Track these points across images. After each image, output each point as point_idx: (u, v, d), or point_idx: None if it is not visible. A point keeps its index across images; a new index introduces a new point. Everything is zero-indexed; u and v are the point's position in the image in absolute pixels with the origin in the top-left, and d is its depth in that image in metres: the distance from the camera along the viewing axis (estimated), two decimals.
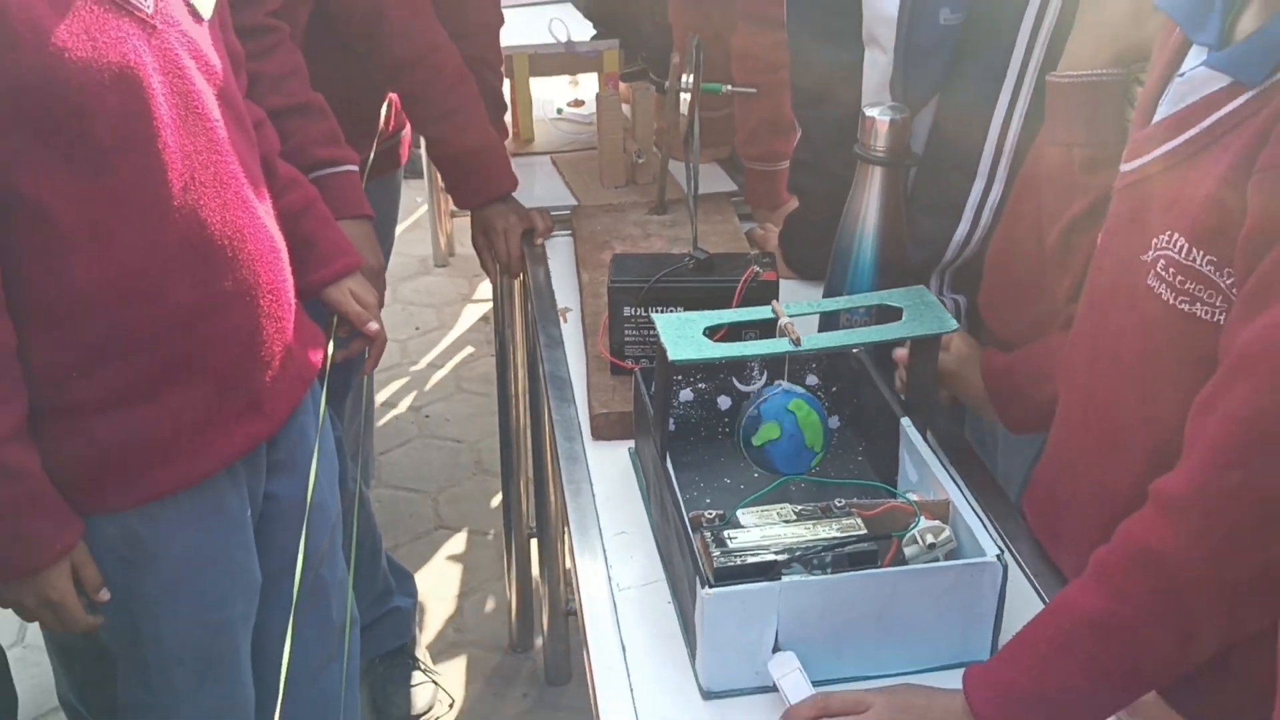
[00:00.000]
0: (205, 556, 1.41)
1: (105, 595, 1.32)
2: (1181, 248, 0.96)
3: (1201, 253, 0.94)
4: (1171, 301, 0.97)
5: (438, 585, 2.66)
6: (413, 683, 2.27)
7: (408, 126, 2.24)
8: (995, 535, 1.08)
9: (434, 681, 2.29)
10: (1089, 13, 1.22)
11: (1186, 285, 0.96)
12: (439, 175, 3.45)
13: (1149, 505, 0.91)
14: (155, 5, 1.22)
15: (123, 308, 1.24)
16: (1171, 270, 0.97)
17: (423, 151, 3.40)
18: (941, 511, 1.12)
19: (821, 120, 1.66)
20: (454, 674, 2.39)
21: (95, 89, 1.16)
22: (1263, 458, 0.84)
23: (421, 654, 2.34)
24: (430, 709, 2.26)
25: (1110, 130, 1.19)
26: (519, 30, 2.33)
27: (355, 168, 1.77)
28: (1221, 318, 0.93)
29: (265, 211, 1.39)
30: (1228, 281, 0.93)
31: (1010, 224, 1.37)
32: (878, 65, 1.50)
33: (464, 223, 3.99)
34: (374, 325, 1.63)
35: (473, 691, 2.36)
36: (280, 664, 1.55)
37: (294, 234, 1.51)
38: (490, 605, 2.59)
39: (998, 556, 1.04)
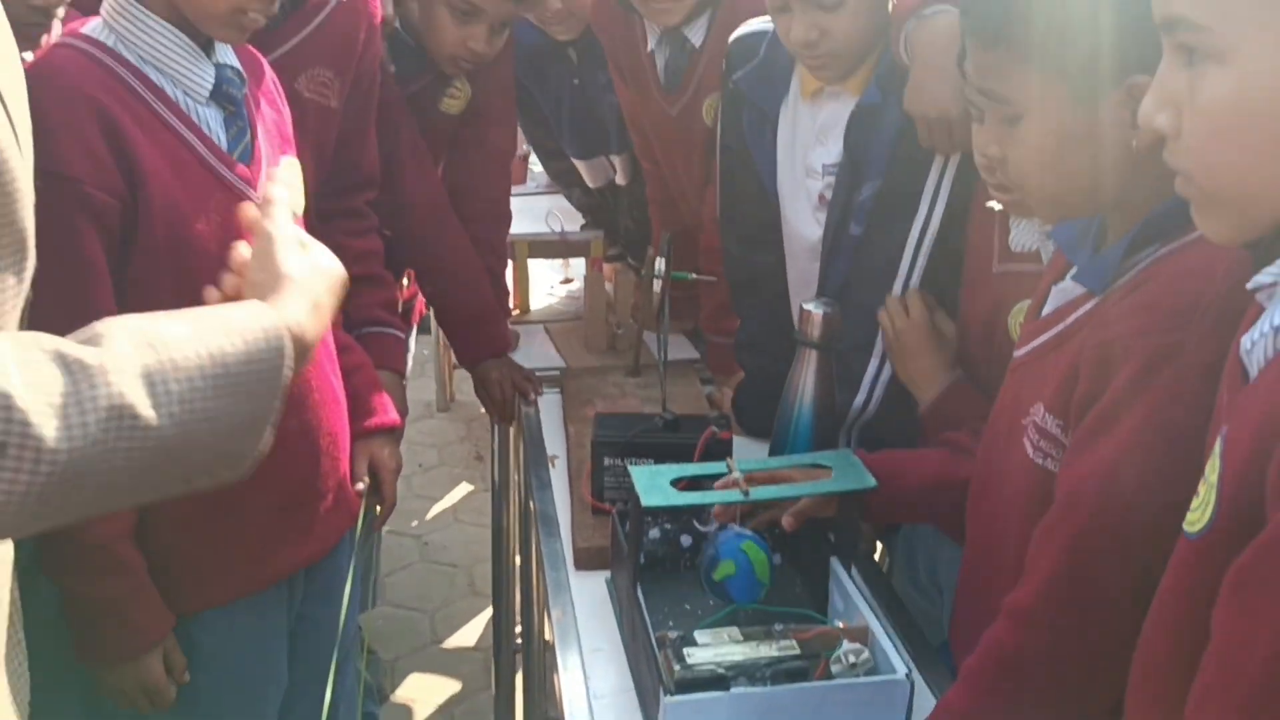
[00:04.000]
0: (250, 662, 1.47)
1: (187, 678, 1.38)
2: (1043, 416, 1.09)
3: (1054, 419, 1.07)
4: (1035, 459, 1.10)
5: (432, 694, 2.69)
6: None
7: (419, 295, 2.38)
8: (906, 657, 1.18)
9: None
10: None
11: (1043, 444, 1.09)
12: (444, 333, 3.61)
13: (1002, 616, 1.02)
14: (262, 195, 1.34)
15: None
16: (1036, 434, 1.10)
17: (430, 312, 3.56)
18: (861, 636, 1.21)
19: (754, 308, 1.82)
20: None
21: (211, 258, 1.23)
22: (1087, 575, 0.96)
23: None
24: None
25: None
26: (522, 221, 2.48)
27: (402, 335, 1.90)
28: None
29: (331, 368, 1.48)
30: (1069, 441, 1.05)
31: None
32: (795, 269, 1.67)
33: (465, 373, 4.11)
34: (362, 486, 1.62)
35: None
36: None
37: (344, 387, 1.61)
38: (478, 713, 2.62)
39: (906, 675, 1.13)
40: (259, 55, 1.44)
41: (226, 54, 1.33)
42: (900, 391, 1.60)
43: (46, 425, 0.72)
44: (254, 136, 1.34)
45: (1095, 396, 0.99)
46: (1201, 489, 0.69)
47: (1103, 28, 0.98)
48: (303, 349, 0.91)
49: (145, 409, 0.77)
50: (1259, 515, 0.62)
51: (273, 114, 1.42)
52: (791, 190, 1.70)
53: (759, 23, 1.74)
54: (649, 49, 2.02)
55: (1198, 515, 0.69)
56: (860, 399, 1.60)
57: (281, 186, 1.03)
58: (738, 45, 1.76)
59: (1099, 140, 1.02)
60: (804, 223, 1.68)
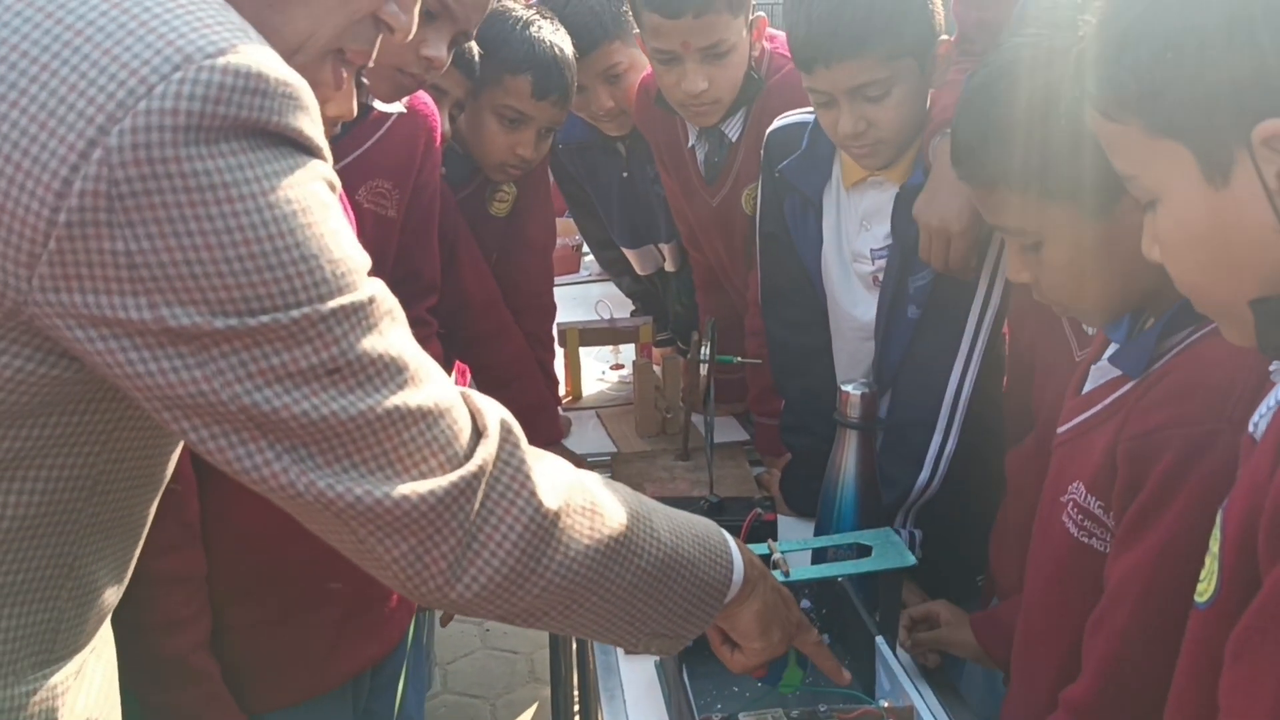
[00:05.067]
0: None
1: None
2: (1083, 495, 1.11)
3: (1095, 499, 1.09)
4: (1076, 535, 1.11)
5: None
6: None
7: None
8: None
9: None
10: None
11: (1085, 523, 1.10)
12: None
13: (1060, 710, 1.03)
14: None
15: (274, 546, 1.32)
16: (1077, 511, 1.11)
17: None
18: (907, 716, 1.22)
19: (798, 391, 1.85)
20: None
21: None
22: (1136, 662, 0.97)
23: None
24: None
25: None
26: (574, 309, 2.57)
27: None
28: (1109, 549, 1.07)
29: None
30: (1113, 523, 1.07)
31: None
32: (845, 351, 1.70)
33: None
34: None
35: None
36: None
37: None
38: None
39: None
40: None
41: None
42: (965, 469, 1.62)
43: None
44: None
45: (1136, 488, 1.01)
46: (1207, 560, 0.71)
47: (1093, 146, 0.95)
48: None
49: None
50: (1258, 580, 0.64)
51: None
52: (840, 274, 1.75)
53: (794, 115, 1.81)
54: (689, 145, 2.09)
55: (1205, 586, 0.71)
56: (924, 476, 1.62)
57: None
58: (776, 137, 1.82)
59: (1124, 244, 1.01)
60: (855, 305, 1.72)
